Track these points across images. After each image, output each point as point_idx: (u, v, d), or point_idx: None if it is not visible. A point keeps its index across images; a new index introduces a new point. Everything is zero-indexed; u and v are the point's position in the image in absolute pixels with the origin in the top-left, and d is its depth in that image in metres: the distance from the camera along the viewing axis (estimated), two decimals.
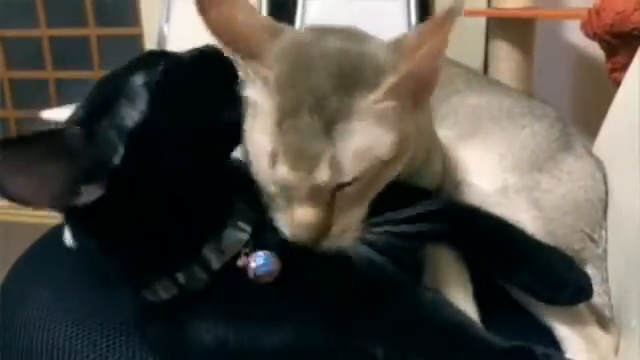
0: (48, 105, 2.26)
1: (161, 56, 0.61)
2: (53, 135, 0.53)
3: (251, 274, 0.58)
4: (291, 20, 1.88)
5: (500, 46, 1.69)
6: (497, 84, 0.90)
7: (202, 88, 0.59)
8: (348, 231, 0.55)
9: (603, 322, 0.68)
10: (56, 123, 0.56)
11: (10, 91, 2.58)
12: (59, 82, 2.51)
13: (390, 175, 0.56)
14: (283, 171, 0.52)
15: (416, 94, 0.54)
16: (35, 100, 2.46)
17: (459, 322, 0.58)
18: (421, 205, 0.57)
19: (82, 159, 0.53)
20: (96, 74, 2.44)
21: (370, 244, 0.56)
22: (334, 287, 0.59)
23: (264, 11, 1.87)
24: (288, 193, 0.53)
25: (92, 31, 2.42)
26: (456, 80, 0.81)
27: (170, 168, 0.56)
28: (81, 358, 0.64)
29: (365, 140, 0.51)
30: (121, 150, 0.54)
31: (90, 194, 0.53)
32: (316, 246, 0.54)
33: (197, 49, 0.61)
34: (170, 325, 0.59)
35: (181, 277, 0.58)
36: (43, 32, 2.47)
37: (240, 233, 0.60)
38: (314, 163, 0.50)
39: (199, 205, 0.58)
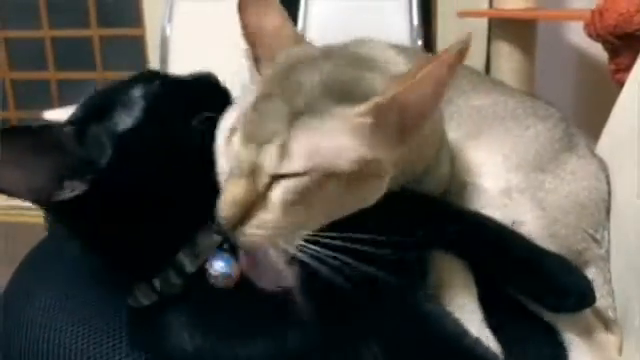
0: (50, 106, 2.26)
1: (159, 74, 0.64)
2: (44, 130, 0.54)
3: (208, 278, 0.58)
4: (294, 19, 1.88)
5: (502, 47, 1.69)
6: (501, 85, 0.90)
7: (195, 107, 0.60)
8: (271, 229, 0.51)
9: (607, 323, 0.68)
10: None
11: (12, 92, 2.59)
12: (61, 83, 2.51)
13: (353, 199, 0.53)
14: (235, 143, 0.51)
15: (404, 124, 0.53)
16: (37, 101, 2.47)
17: (457, 334, 0.58)
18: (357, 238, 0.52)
19: (70, 156, 0.54)
20: (98, 75, 2.45)
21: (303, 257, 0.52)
22: (323, 293, 0.57)
23: None
24: (233, 171, 0.52)
25: (94, 32, 2.42)
26: (462, 81, 0.81)
27: (154, 175, 0.57)
28: (87, 357, 0.65)
29: (324, 141, 0.50)
30: (109, 151, 0.55)
31: (73, 190, 0.54)
32: (232, 232, 0.51)
33: (196, 73, 0.64)
34: (154, 333, 0.60)
35: (157, 282, 0.59)
36: (45, 33, 2.47)
37: (214, 236, 0.60)
38: (265, 141, 0.50)
39: (179, 209, 0.58)
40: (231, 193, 0.50)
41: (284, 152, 0.49)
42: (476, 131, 0.75)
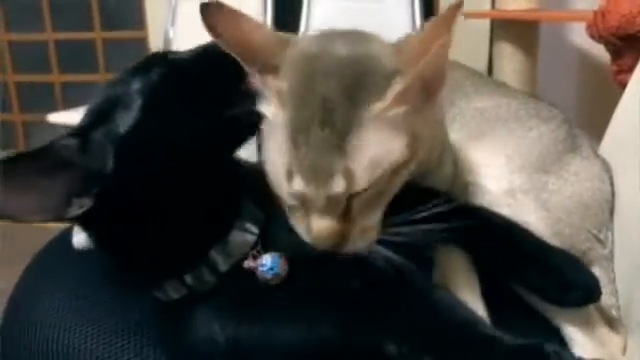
0: (54, 109, 2.27)
1: (160, 59, 0.61)
2: (46, 151, 0.53)
3: (259, 277, 0.59)
4: (296, 20, 1.89)
5: (504, 48, 1.69)
6: (504, 86, 0.91)
7: (203, 87, 0.59)
8: (366, 234, 0.56)
9: (611, 322, 0.68)
10: (65, 128, 0.57)
11: (16, 95, 2.59)
12: (65, 85, 2.52)
13: (405, 175, 0.57)
14: (299, 185, 0.52)
15: (427, 90, 0.55)
16: (41, 104, 2.47)
17: (470, 320, 0.59)
18: (432, 206, 0.57)
19: (75, 171, 0.53)
20: (102, 77, 2.46)
21: (387, 243, 0.57)
22: (345, 285, 0.59)
23: (269, 12, 1.87)
24: (305, 204, 0.54)
25: (98, 34, 2.43)
26: (464, 83, 0.82)
27: (167, 171, 0.56)
28: (96, 357, 0.65)
29: (377, 149, 0.52)
30: (112, 156, 0.55)
31: (81, 207, 0.53)
32: (337, 250, 0.55)
33: (200, 47, 0.62)
34: (180, 326, 0.60)
35: (189, 279, 0.59)
36: (49, 36, 2.48)
37: (247, 235, 0.60)
38: (329, 176, 0.51)
39: (202, 207, 0.58)
40: (318, 230, 0.54)
41: (349, 178, 0.51)
42: (479, 133, 0.76)
